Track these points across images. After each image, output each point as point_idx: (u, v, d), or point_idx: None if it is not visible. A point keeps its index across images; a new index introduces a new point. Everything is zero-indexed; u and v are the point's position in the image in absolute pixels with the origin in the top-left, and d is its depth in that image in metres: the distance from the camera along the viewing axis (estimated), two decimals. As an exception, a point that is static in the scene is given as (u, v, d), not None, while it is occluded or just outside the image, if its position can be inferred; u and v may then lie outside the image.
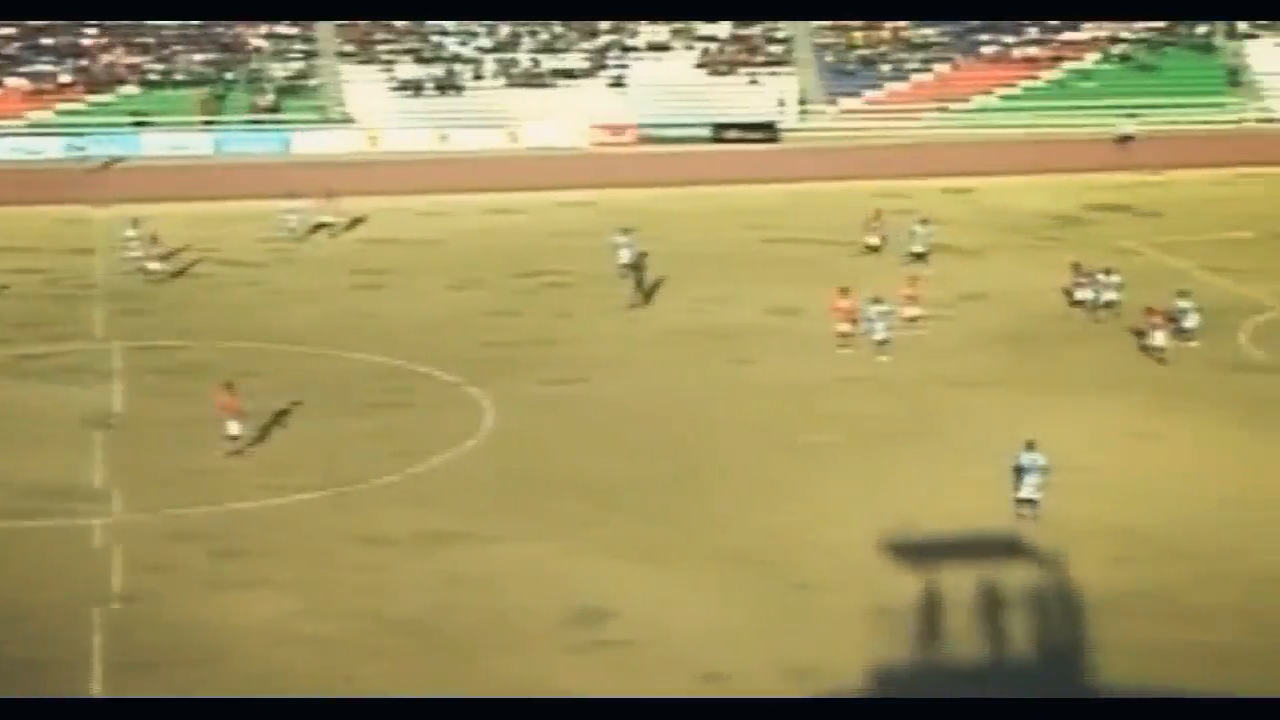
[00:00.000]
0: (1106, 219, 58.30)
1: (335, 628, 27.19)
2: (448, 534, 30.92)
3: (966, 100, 73.89)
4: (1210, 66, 75.32)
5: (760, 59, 75.38)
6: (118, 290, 49.13)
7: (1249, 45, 76.33)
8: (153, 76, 72.86)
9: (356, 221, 57.81)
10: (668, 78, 73.76)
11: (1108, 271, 44.75)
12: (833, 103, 73.88)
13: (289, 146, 69.10)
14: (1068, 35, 76.80)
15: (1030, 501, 30.97)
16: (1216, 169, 66.09)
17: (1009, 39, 76.85)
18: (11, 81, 71.55)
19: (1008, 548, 29.93)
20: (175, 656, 26.11)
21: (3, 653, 26.19)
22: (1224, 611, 27.46)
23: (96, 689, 24.93)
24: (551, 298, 48.59)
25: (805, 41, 76.33)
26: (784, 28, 76.50)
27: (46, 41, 73.53)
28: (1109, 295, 44.15)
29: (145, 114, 70.44)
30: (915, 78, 75.03)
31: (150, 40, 74.48)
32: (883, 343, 41.17)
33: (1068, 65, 75.44)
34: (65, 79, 72.02)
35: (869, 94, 74.31)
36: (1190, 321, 42.51)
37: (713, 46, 75.77)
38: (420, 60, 74.12)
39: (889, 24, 76.71)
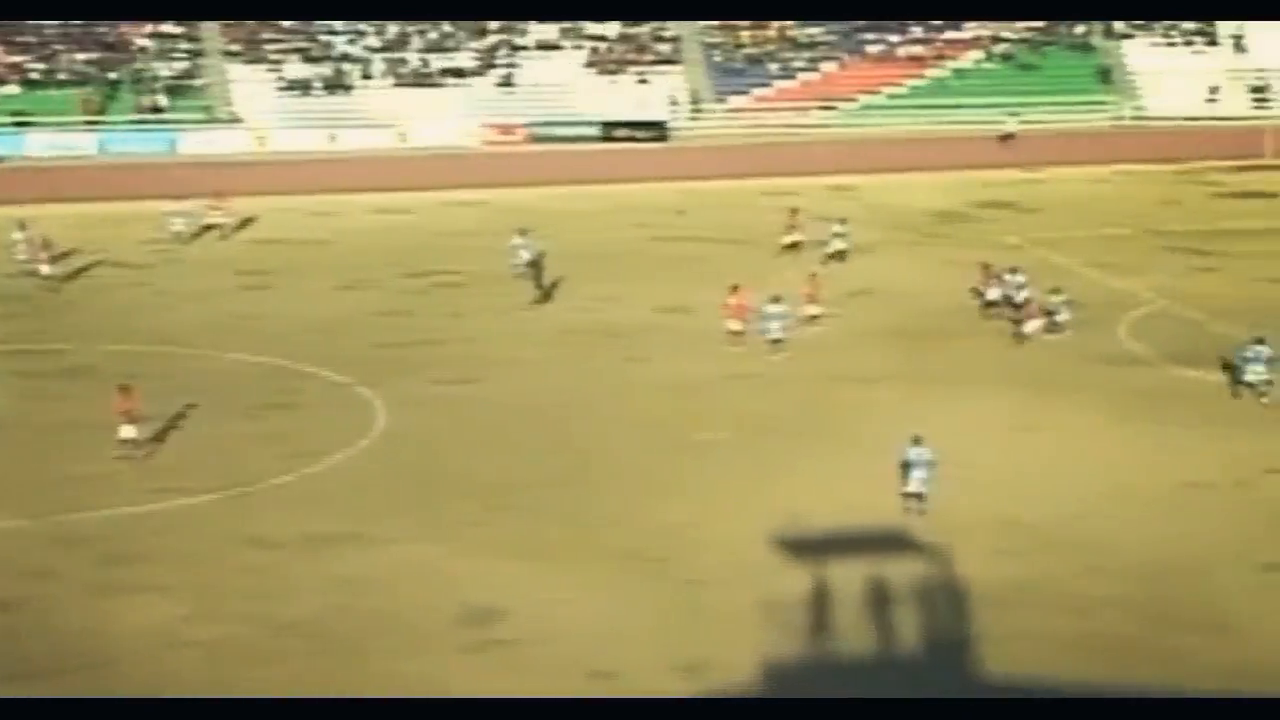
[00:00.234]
0: (990, 215, 59.02)
1: (225, 631, 26.81)
2: (338, 535, 30.61)
3: (853, 99, 74.40)
4: (1088, 66, 76.44)
5: (649, 58, 75.45)
6: (3, 294, 48.19)
7: (1125, 45, 77.53)
8: (34, 76, 71.53)
9: (246, 222, 57.17)
10: (557, 77, 73.62)
11: (1013, 270, 45.09)
12: (721, 101, 74.08)
13: (175, 147, 68.13)
14: (951, 35, 77.59)
15: (918, 496, 31.21)
16: (1095, 166, 67.15)
17: (894, 38, 77.51)
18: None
19: (895, 542, 30.13)
20: (61, 664, 25.59)
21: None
22: (1107, 601, 27.81)
23: (-21, 699, 24.38)
24: (442, 297, 48.33)
25: (693, 41, 76.49)
26: (672, 27, 76.62)
27: (-74, 42, 72.03)
28: (1024, 295, 44.14)
29: (27, 114, 69.13)
30: (803, 76, 75.44)
31: (32, 40, 73.11)
32: (778, 342, 41.29)
33: (951, 64, 76.22)
34: (-55, 80, 70.58)
35: (757, 92, 74.61)
36: (1063, 315, 43.21)
37: (601, 46, 75.72)
38: (308, 60, 73.40)
39: (776, 23, 77.06)
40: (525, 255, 49.02)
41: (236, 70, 72.35)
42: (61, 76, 71.64)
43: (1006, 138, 69.67)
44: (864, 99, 74.43)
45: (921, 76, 75.67)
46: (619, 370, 41.13)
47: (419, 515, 31.56)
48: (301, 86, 71.88)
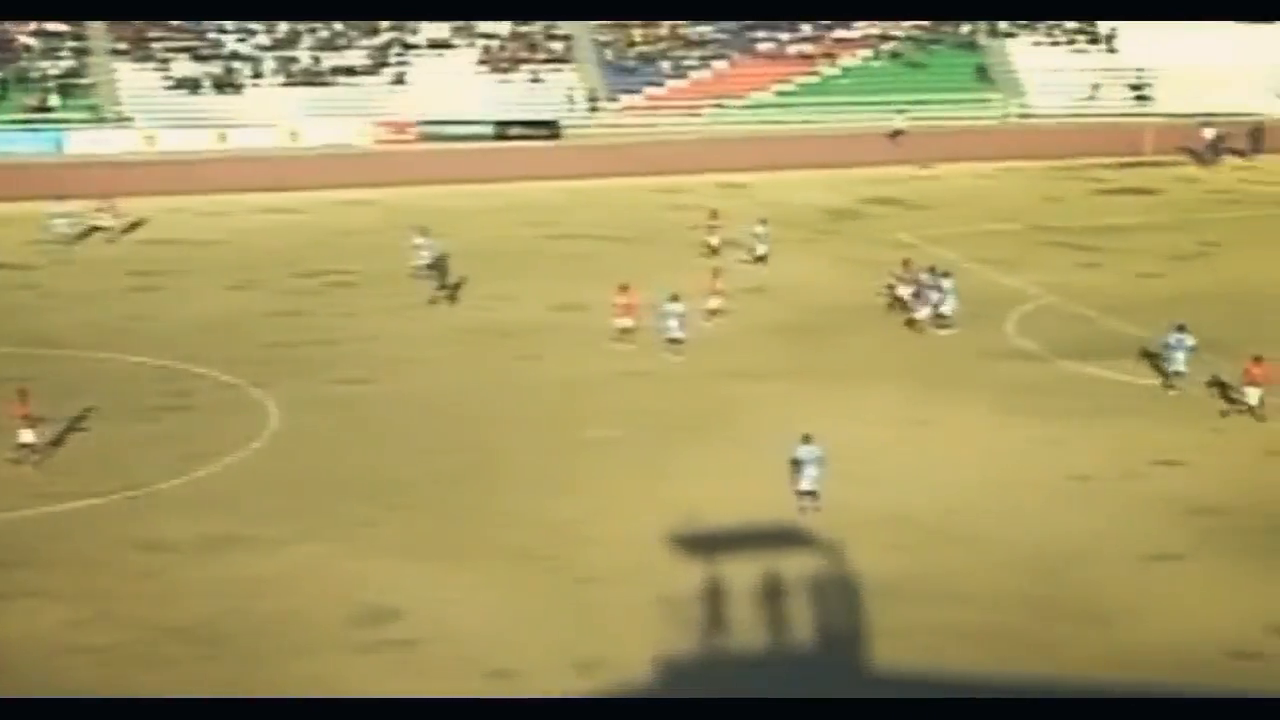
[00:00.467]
0: (879, 212, 59.60)
1: (116, 637, 26.54)
2: (232, 538, 30.38)
3: (744, 97, 74.73)
4: (972, 64, 77.24)
5: (541, 57, 75.35)
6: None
7: (1009, 43, 78.51)
8: (-84, 74, 70.13)
9: (135, 223, 56.44)
10: (449, 76, 73.29)
11: (933, 270, 45.45)
12: (614, 100, 74.16)
13: (62, 146, 67.06)
14: (840, 33, 78.12)
15: (811, 493, 31.44)
16: (982, 162, 67.98)
17: (784, 36, 77.91)
18: None
19: (788, 537, 30.41)
20: (-52, 672, 25.23)
21: None
22: (994, 593, 28.25)
23: None
24: (335, 297, 48.04)
25: (585, 39, 76.50)
26: (564, 25, 76.57)
27: None
28: (948, 301, 44.29)
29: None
30: (694, 75, 75.64)
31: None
32: (676, 341, 41.41)
33: (841, 62, 76.76)
34: None
35: (650, 91, 74.73)
36: (948, 306, 43.78)
37: (494, 44, 75.50)
38: (197, 58, 72.49)
39: (667, 21, 77.23)
40: (427, 255, 48.82)
41: (124, 69, 71.35)
42: (-56, 75, 70.28)
43: (896, 135, 70.34)
44: (755, 96, 74.76)
45: (811, 74, 76.16)
46: (512, 369, 41.12)
47: (313, 516, 31.41)
48: (191, 85, 71.03)
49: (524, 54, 75.32)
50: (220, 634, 26.67)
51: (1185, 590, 28.38)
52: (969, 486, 33.01)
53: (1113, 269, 51.50)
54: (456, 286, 47.64)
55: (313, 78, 72.38)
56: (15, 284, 49.22)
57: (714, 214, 53.14)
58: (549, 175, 64.83)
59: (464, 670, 25.38)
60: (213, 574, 28.89)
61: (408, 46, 74.31)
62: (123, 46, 72.43)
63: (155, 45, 72.87)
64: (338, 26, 74.28)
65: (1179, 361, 38.93)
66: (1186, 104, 73.12)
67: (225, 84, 71.51)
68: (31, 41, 72.46)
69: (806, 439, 31.64)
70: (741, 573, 28.87)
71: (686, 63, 76.28)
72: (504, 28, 75.82)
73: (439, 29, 74.91)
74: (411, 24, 74.46)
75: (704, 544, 29.98)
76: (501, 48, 75.46)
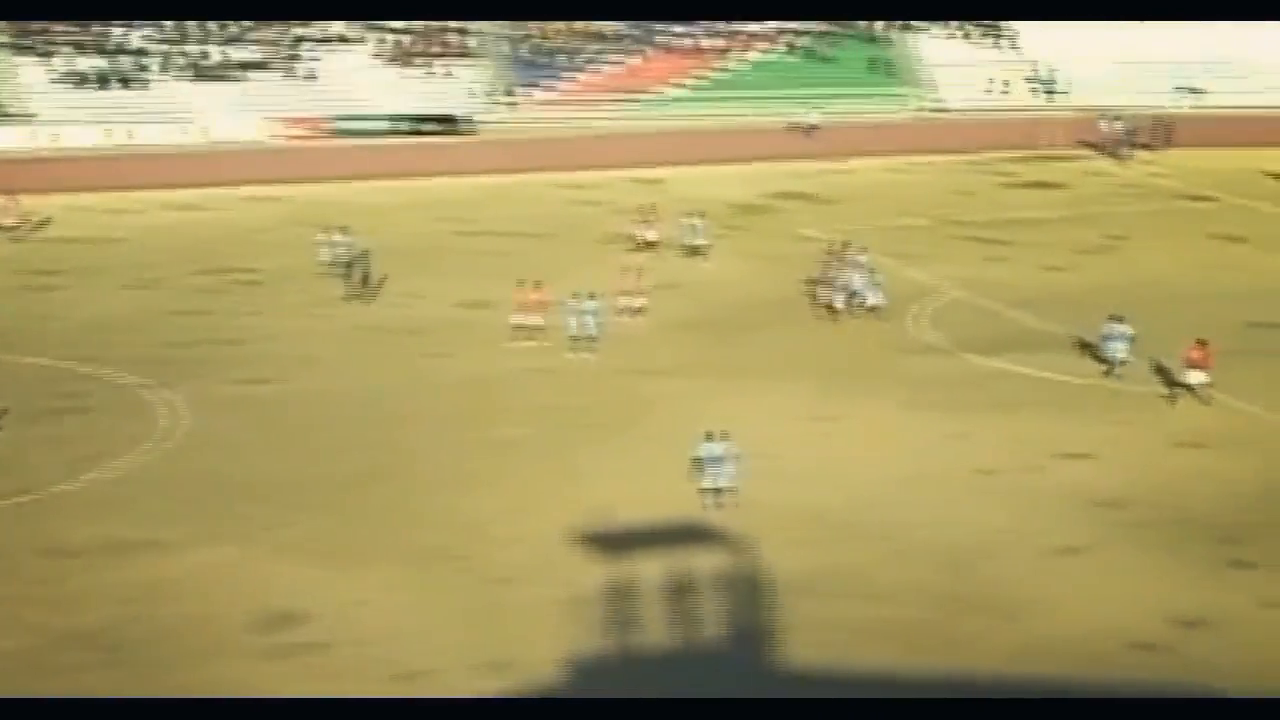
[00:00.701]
0: (790, 207, 59.83)
1: (15, 643, 26.12)
2: (131, 542, 29.97)
3: (656, 91, 74.82)
4: (880, 59, 77.69)
5: (450, 51, 75.01)
6: None
7: (916, 38, 79.05)
8: None
9: (36, 221, 55.64)
10: (356, 70, 72.82)
11: (848, 248, 45.77)
12: (524, 95, 73.95)
13: (-39, 143, 65.99)
14: (752, 27, 78.40)
15: (718, 490, 31.43)
16: (892, 157, 68.44)
17: (696, 30, 78.07)
18: None
19: (698, 534, 30.44)
20: None
21: None
22: (902, 588, 28.42)
23: None
24: (241, 295, 47.59)
25: (495, 33, 76.25)
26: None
27: None
28: (875, 297, 44.78)
29: None
30: (606, 69, 75.64)
31: None
32: (591, 339, 41.28)
33: (752, 57, 77.00)
34: None
35: (561, 85, 74.65)
36: (875, 298, 44.06)
37: (403, 39, 75.07)
38: (102, 53, 71.58)
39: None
40: (345, 254, 48.44)
41: (25, 64, 70.30)
42: None
43: (808, 129, 70.64)
44: (667, 91, 74.88)
45: (723, 69, 76.34)
46: (420, 367, 40.91)
47: (217, 519, 31.07)
48: (95, 81, 70.09)
49: (434, 48, 74.96)
50: (122, 640, 26.31)
51: (1089, 583, 28.67)
52: (878, 482, 33.20)
53: (1021, 263, 52.00)
54: (372, 284, 47.27)
55: (218, 73, 71.65)
56: (-89, 284, 48.42)
57: (647, 208, 52.98)
58: (459, 171, 64.60)
59: (371, 673, 25.19)
60: (114, 579, 28.50)
61: (315, 41, 73.72)
62: (24, 42, 71.36)
63: (58, 41, 71.87)
64: (246, 20, 73.50)
65: (1119, 350, 39.49)
66: (1092, 98, 74.01)
67: (130, 79, 70.64)
68: (-73, 36, 71.28)
69: (709, 436, 31.61)
70: (652, 571, 28.87)
71: (599, 57, 76.21)
72: (413, 22, 75.42)
73: (346, 23, 74.41)
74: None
75: (614, 542, 29.96)
76: (410, 42, 75.07)
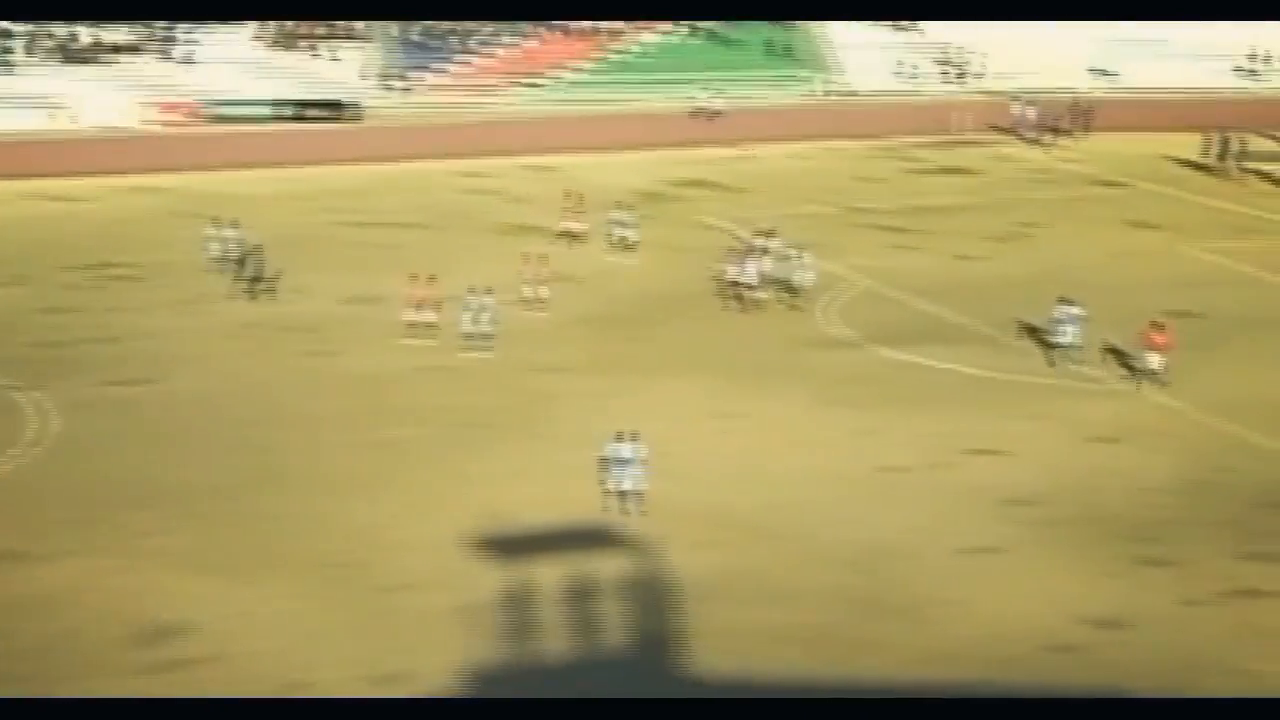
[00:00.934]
0: (692, 195, 60.04)
1: (-125, 664, 25.74)
2: (1, 553, 29.59)
3: (551, 74, 74.80)
4: (782, 41, 78.05)
5: (336, 33, 74.55)
6: None
7: (825, 20, 79.55)
8: None
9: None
10: (236, 53, 72.17)
11: (800, 249, 45.90)
12: (414, 78, 73.68)
13: None
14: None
15: (623, 494, 31.48)
16: (797, 142, 68.86)
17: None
18: None
19: (598, 537, 30.56)
20: None
21: None
22: (808, 591, 28.70)
23: None
24: (116, 291, 47.08)
25: (382, 14, 75.85)
26: (354, 0, 75.80)
27: None
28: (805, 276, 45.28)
29: None
30: (500, 52, 75.51)
31: None
32: (486, 337, 41.21)
33: (651, 39, 77.19)
34: None
35: (452, 69, 74.43)
36: (802, 278, 44.36)
37: (285, 20, 74.46)
38: (-41, 33, 70.48)
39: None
40: (235, 248, 48.02)
41: (-121, 45, 69.07)
42: None
43: (709, 114, 70.92)
44: (563, 74, 74.90)
45: (621, 51, 76.46)
46: (307, 365, 40.68)
47: (90, 528, 30.75)
48: (-47, 63, 69.03)
49: (319, 30, 74.48)
50: (-10, 657, 26.01)
51: (1002, 584, 29.10)
52: (785, 481, 33.47)
53: (930, 251, 52.57)
54: (272, 281, 46.93)
55: (89, 55, 70.75)
56: None
57: (576, 199, 52.86)
58: (345, 159, 64.21)
59: (256, 687, 25.04)
60: (-19, 593, 28.18)
61: (192, 21, 72.93)
62: (-123, 21, 70.06)
63: (-87, 20, 70.61)
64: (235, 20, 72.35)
65: (1069, 335, 40.21)
66: (1004, 81, 74.88)
67: (-9, 61, 69.61)
68: None
69: (619, 437, 31.71)
70: (550, 576, 28.95)
71: (491, 39, 76.05)
72: (294, 1, 74.76)
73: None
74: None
75: (511, 547, 30.01)
76: (294, 24, 74.52)
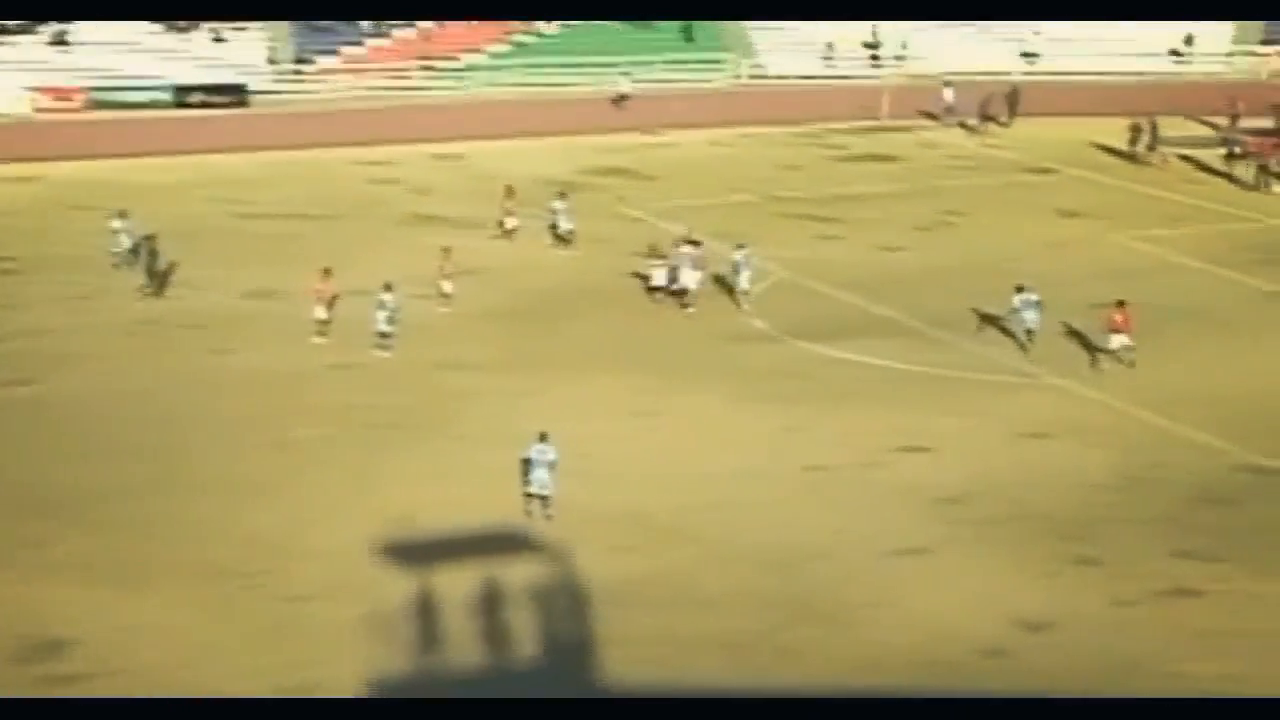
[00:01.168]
0: (605, 183, 60.11)
1: None
2: (-124, 566, 29.31)
3: (455, 58, 74.57)
4: (704, 25, 78.20)
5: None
6: None
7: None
8: None
9: None
10: (121, 35, 71.39)
11: (694, 243, 45.92)
12: (309, 62, 73.26)
13: None
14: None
15: (543, 498, 31.52)
16: (714, 129, 69.07)
17: (497, -10, 77.94)
18: None
19: (510, 541, 30.60)
20: None
21: None
22: (730, 595, 28.87)
23: None
24: (-5, 287, 46.62)
25: (276, -6, 75.36)
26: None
27: None
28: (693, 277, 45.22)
29: None
30: (398, 34, 75.16)
31: None
32: (385, 336, 41.06)
33: (562, 20, 77.03)
34: None
35: (349, 52, 74.02)
36: (746, 280, 44.66)
37: (172, -1, 73.82)
38: None
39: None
40: (126, 241, 47.57)
41: None
42: None
43: (621, 99, 71.01)
44: (466, 58, 74.70)
45: (529, 33, 76.34)
46: (203, 364, 40.44)
47: (-27, 538, 30.46)
48: None
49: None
50: None
51: (930, 586, 29.39)
52: (704, 481, 33.62)
53: (854, 241, 52.95)
54: (165, 274, 46.58)
55: (-40, 37, 69.81)
56: None
57: (510, 191, 52.69)
58: (238, 146, 63.70)
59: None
60: None
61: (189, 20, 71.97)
62: None
63: None
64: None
65: (1030, 321, 41.20)
66: (929, 64, 75.45)
67: None
68: None
69: (543, 437, 31.67)
70: (461, 583, 28.96)
71: (390, 21, 75.63)
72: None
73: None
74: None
75: (420, 553, 29.99)
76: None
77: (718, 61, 76.38)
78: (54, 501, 32.12)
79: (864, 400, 38.41)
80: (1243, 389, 39.39)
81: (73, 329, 42.87)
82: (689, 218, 53.04)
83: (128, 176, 58.64)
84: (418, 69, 73.83)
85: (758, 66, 76.82)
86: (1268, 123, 66.56)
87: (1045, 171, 63.77)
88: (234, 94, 69.18)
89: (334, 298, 42.02)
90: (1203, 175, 62.90)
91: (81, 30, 70.70)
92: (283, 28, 73.60)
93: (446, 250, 45.49)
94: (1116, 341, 40.08)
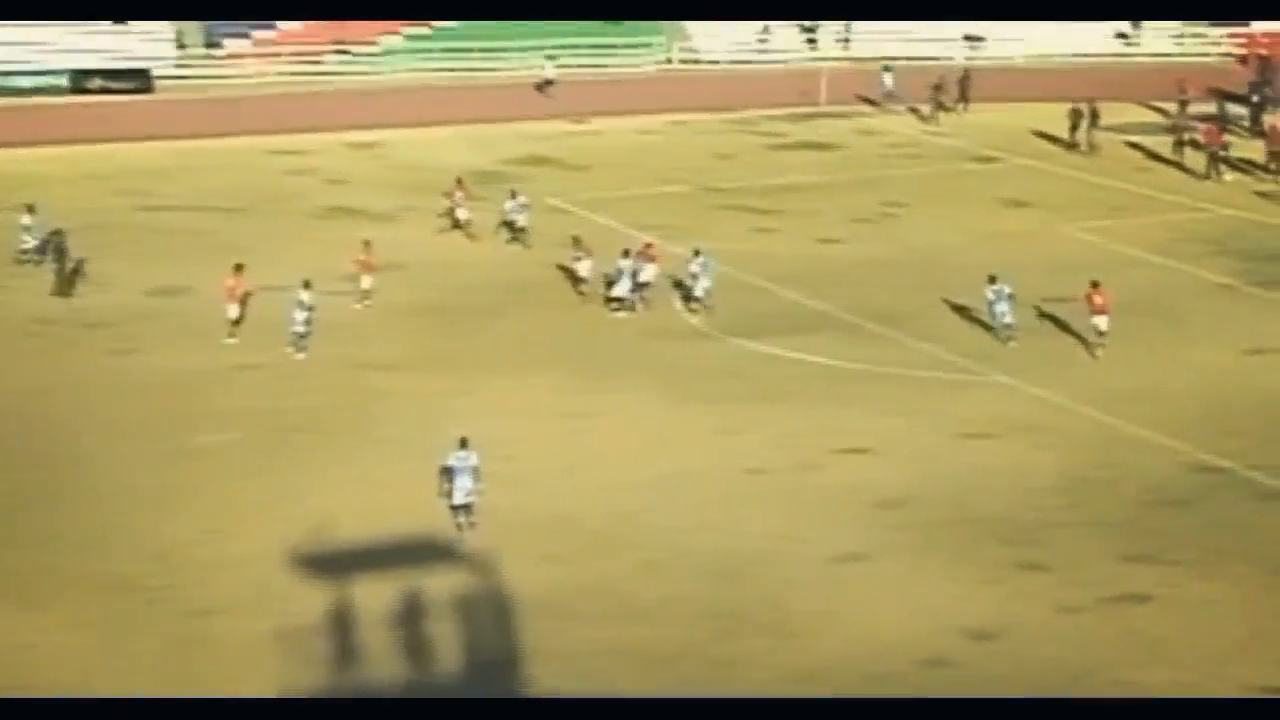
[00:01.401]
0: (530, 174, 59.98)
1: None
2: None
3: (370, 42, 74.31)
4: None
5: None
6: None
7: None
8: None
9: None
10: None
11: (626, 253, 45.77)
12: (215, 46, 72.82)
13: None
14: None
15: (465, 508, 31.34)
16: (643, 116, 69.07)
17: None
18: None
19: (432, 551, 30.50)
20: None
21: None
22: (665, 605, 28.87)
23: None
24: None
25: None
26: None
27: None
28: (644, 276, 45.05)
29: None
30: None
31: None
32: (302, 336, 40.82)
33: (553, 20, 76.44)
34: None
35: (257, 35, 73.64)
36: (705, 285, 44.41)
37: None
38: None
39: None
40: (32, 239, 47.16)
41: None
42: None
43: (546, 85, 70.94)
44: (383, 41, 74.44)
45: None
46: (103, 366, 40.18)
47: None
48: None
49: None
50: None
51: (872, 594, 29.48)
52: (636, 485, 33.62)
53: (791, 234, 53.11)
54: (74, 272, 46.15)
55: None
56: None
57: (459, 182, 52.46)
58: (141, 135, 63.29)
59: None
60: None
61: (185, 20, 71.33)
62: None
63: None
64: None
65: (1005, 314, 41.83)
66: (870, 47, 75.73)
67: None
68: None
69: (463, 443, 31.51)
70: (380, 595, 28.84)
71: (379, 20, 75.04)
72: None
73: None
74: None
75: (336, 563, 29.85)
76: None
77: (647, 45, 76.41)
78: (-55, 513, 31.85)
79: (803, 399, 38.51)
80: (1194, 385, 39.77)
81: (-34, 329, 42.52)
82: (617, 209, 53.18)
83: (24, 167, 58.18)
84: (332, 53, 73.51)
85: (689, 50, 76.91)
86: (1211, 108, 67.34)
87: (989, 160, 64.16)
88: (137, 80, 68.68)
89: (246, 295, 41.82)
90: (1152, 163, 63.40)
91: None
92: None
93: (366, 243, 45.36)
94: (1103, 323, 41.18)
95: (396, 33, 74.80)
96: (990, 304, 42.24)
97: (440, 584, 29.35)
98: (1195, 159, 61.83)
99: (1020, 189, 59.28)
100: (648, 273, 45.21)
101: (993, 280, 42.25)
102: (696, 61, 76.48)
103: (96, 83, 68.06)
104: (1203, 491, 33.96)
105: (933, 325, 43.31)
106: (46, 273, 45.99)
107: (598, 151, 64.17)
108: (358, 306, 43.98)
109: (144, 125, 64.31)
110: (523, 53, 72.96)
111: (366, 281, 44.49)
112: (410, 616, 28.33)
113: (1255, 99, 69.13)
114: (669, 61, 76.21)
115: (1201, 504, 33.40)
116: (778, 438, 36.21)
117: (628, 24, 76.50)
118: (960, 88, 70.97)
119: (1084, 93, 65.85)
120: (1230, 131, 64.45)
